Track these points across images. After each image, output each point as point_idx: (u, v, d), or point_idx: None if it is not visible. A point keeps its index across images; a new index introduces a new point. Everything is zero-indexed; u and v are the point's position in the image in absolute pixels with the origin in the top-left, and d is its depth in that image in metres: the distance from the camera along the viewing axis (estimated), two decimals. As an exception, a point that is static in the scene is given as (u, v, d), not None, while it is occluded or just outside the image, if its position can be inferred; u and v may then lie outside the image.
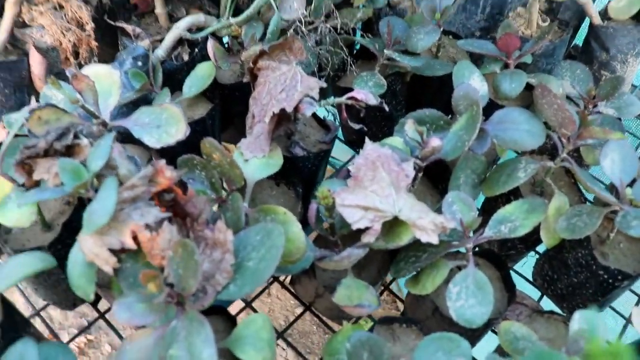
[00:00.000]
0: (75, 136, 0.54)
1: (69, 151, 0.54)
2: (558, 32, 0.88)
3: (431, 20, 0.77)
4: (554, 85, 0.76)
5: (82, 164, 0.51)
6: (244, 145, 0.61)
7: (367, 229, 0.53)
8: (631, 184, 0.64)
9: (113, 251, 0.47)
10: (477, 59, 0.84)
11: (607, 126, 0.76)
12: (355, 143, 0.92)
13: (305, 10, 0.73)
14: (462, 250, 0.59)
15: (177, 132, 0.57)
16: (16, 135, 0.61)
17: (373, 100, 0.64)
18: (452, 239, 0.58)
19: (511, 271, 0.79)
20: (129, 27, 0.80)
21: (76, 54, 0.80)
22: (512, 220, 0.58)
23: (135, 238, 0.46)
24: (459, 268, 0.58)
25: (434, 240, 0.52)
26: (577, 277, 0.68)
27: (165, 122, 0.58)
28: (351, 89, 0.69)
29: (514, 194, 0.70)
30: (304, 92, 0.59)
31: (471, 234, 0.59)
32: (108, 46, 0.86)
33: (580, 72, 0.81)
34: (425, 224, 0.53)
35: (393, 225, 0.55)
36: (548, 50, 0.84)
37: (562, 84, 0.78)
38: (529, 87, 0.78)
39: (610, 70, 0.94)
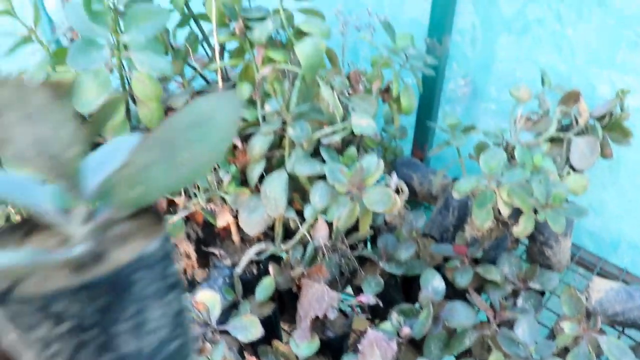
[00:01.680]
0: (202, 341, 0.97)
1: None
2: (502, 229, 1.30)
3: (410, 237, 1.20)
4: (494, 272, 1.17)
5: (207, 357, 0.93)
6: (296, 336, 1.02)
7: (368, 385, 0.93)
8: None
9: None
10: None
11: (531, 299, 1.16)
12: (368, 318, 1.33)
13: (328, 240, 1.16)
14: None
15: (256, 332, 0.99)
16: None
17: (372, 301, 1.05)
18: (422, 387, 0.97)
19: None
20: (216, 251, 1.25)
21: (184, 272, 1.25)
22: (457, 373, 0.97)
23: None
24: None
25: (407, 390, 0.92)
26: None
27: (249, 326, 1.00)
28: (361, 288, 1.12)
29: (469, 351, 1.09)
30: (330, 303, 1.02)
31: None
32: (202, 257, 1.31)
33: (514, 260, 1.21)
34: (402, 380, 0.93)
35: (384, 382, 0.94)
36: (494, 244, 1.25)
37: (501, 270, 1.18)
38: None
39: (549, 247, 1.34)
